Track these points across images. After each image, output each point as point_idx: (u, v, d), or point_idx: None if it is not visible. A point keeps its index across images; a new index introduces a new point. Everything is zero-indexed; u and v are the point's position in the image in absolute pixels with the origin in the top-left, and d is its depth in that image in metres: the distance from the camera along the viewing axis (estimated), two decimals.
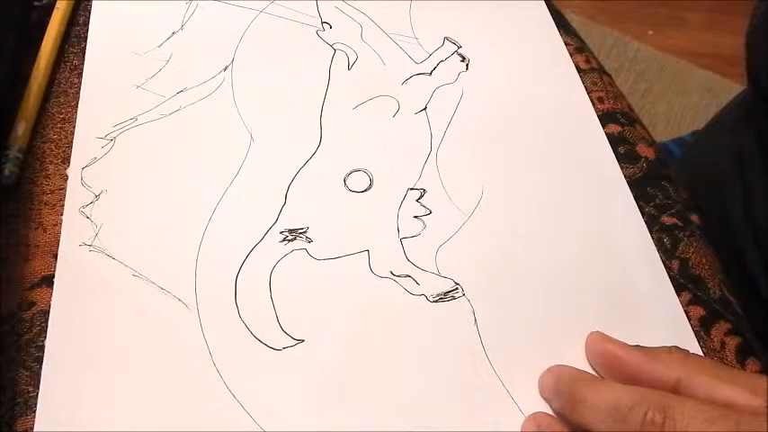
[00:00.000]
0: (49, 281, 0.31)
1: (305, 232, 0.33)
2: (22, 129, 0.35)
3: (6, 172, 0.34)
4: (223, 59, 0.40)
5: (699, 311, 0.33)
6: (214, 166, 0.35)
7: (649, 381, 0.27)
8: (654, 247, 0.35)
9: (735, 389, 0.25)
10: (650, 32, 1.36)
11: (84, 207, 0.33)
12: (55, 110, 0.37)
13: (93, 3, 0.42)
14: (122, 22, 0.41)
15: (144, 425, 0.28)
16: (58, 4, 0.41)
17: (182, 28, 0.41)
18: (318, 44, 0.41)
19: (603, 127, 0.40)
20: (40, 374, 0.28)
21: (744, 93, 0.57)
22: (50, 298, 0.30)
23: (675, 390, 0.27)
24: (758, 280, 0.46)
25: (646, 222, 0.36)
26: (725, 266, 0.37)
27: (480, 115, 0.39)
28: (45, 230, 0.33)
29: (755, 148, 0.48)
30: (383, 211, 0.35)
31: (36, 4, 0.41)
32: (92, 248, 0.32)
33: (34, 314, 0.30)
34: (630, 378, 0.28)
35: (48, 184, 0.34)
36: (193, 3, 0.42)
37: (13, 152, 0.34)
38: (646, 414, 0.25)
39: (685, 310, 0.33)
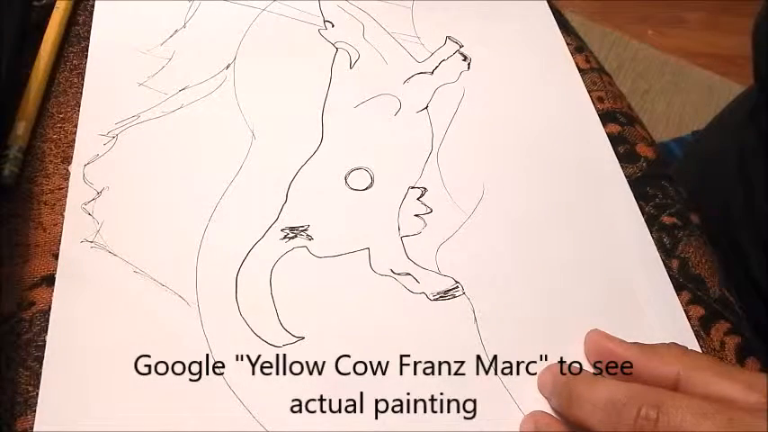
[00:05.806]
0: (48, 281, 0.31)
1: (306, 230, 0.33)
2: (21, 128, 0.35)
3: (6, 172, 0.34)
4: (225, 57, 0.40)
5: (698, 311, 0.34)
6: (216, 164, 0.35)
7: (648, 377, 0.27)
8: (654, 246, 0.35)
9: (732, 385, 0.26)
10: (650, 32, 1.36)
11: (85, 204, 0.33)
12: (55, 109, 0.37)
13: (96, 0, 0.42)
14: (125, 20, 0.41)
15: (144, 423, 0.28)
16: (57, 4, 0.41)
17: (184, 26, 0.41)
18: (320, 43, 0.41)
19: (603, 127, 0.40)
20: (40, 374, 0.28)
21: (746, 92, 0.57)
22: (50, 298, 0.30)
23: (674, 386, 0.27)
24: (759, 279, 0.46)
25: (645, 222, 0.36)
26: (725, 266, 0.37)
27: (481, 114, 0.39)
28: (45, 230, 0.33)
29: (759, 147, 0.48)
30: (384, 210, 0.35)
31: (36, 4, 0.41)
32: (93, 245, 0.32)
33: (34, 314, 0.30)
34: (629, 375, 0.28)
35: (47, 184, 0.34)
36: (196, 1, 0.42)
37: (13, 152, 0.34)
38: (640, 410, 0.25)
39: (685, 310, 0.33)
